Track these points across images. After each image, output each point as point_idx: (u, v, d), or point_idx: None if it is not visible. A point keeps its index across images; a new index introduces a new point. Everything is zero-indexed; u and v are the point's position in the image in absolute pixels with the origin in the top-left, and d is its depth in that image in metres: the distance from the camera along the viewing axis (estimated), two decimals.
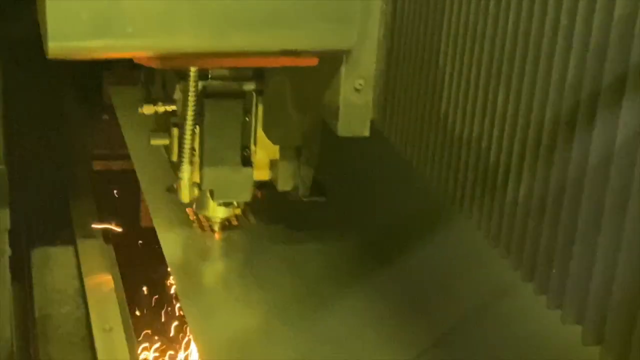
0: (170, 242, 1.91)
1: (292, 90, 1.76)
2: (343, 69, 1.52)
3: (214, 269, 1.91)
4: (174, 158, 1.79)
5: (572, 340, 1.04)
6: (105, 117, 3.02)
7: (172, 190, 2.05)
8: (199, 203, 1.89)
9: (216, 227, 1.94)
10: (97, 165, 2.81)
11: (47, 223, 2.19)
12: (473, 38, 1.24)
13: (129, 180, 2.21)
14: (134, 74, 3.12)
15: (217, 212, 1.91)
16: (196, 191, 1.82)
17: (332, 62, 1.54)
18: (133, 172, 2.20)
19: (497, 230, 1.20)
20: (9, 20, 3.28)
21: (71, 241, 2.09)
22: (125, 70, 3.20)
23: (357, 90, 1.54)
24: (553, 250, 1.06)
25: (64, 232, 2.13)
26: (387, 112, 1.54)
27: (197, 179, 1.81)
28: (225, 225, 1.96)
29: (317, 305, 1.74)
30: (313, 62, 1.57)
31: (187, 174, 1.78)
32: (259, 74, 1.78)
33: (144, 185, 2.12)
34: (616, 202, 0.95)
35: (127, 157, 2.28)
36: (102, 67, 3.23)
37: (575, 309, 1.03)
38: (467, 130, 1.27)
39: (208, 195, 1.86)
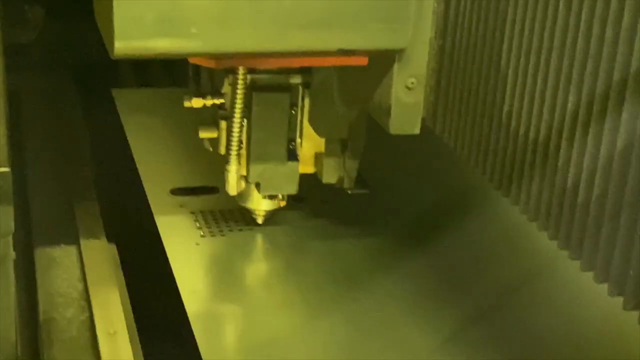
0: (175, 246, 1.91)
1: (339, 83, 1.79)
2: (395, 68, 1.55)
3: (221, 274, 1.89)
4: (222, 151, 1.81)
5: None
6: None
7: (177, 193, 2.10)
8: (244, 195, 1.91)
9: (259, 220, 1.96)
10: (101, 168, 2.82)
11: (50, 225, 2.19)
12: (540, 37, 1.26)
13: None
14: (137, 76, 3.16)
15: (261, 205, 1.93)
16: (243, 184, 1.84)
17: (383, 60, 1.56)
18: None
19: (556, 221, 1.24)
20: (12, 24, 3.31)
21: (75, 244, 2.09)
22: (128, 71, 3.23)
23: (408, 88, 1.56)
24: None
25: (68, 234, 2.13)
26: (438, 110, 1.57)
27: (243, 172, 1.83)
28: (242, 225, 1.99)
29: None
30: (364, 61, 1.60)
31: (234, 166, 1.81)
32: (306, 68, 1.81)
33: (147, 187, 2.13)
34: None
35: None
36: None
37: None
38: (533, 130, 1.29)
39: (252, 187, 1.89)
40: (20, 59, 3.17)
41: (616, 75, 1.10)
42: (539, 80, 1.27)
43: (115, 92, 2.66)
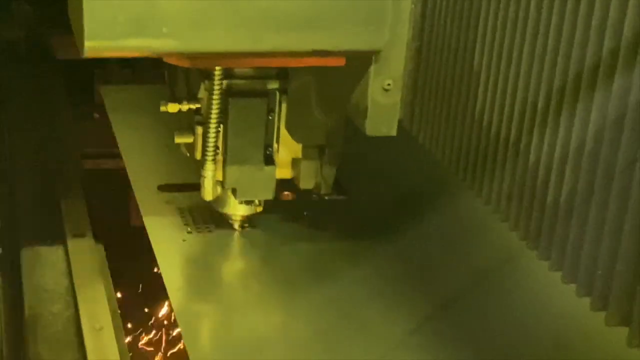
0: (162, 242, 1.91)
1: (317, 89, 1.77)
2: (372, 69, 1.53)
3: (208, 271, 1.89)
4: (198, 156, 1.79)
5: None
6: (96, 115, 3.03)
7: (164, 189, 2.09)
8: (220, 200, 1.89)
9: (236, 225, 1.93)
10: (88, 164, 2.81)
11: (37, 221, 2.19)
12: (512, 37, 1.26)
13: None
14: (125, 73, 3.16)
15: (238, 210, 1.91)
16: (219, 189, 1.82)
17: (360, 62, 1.54)
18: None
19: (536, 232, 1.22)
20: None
21: (61, 240, 2.08)
22: (116, 69, 3.22)
23: (385, 90, 1.55)
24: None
25: (54, 230, 2.12)
26: (415, 111, 1.55)
27: (220, 177, 1.81)
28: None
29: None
30: (340, 62, 1.58)
31: (210, 172, 1.79)
32: (283, 73, 1.78)
33: (135, 184, 2.13)
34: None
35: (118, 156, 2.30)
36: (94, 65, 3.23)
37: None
38: (504, 131, 1.28)
39: (229, 192, 1.86)
40: (7, 55, 3.17)
41: (578, 72, 1.11)
42: (510, 81, 1.27)
43: (103, 90, 2.67)
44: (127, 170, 2.19)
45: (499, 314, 1.68)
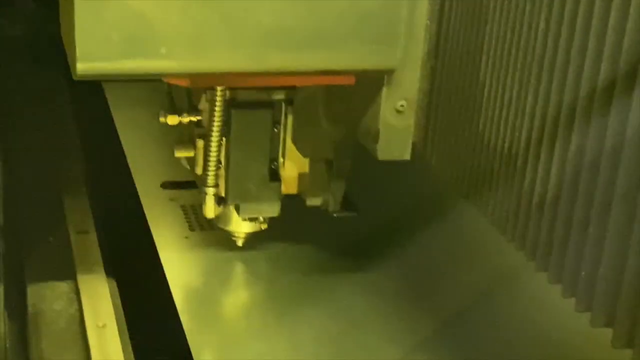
0: (164, 239, 1.91)
1: (325, 100, 1.69)
2: (384, 90, 1.45)
3: (210, 268, 1.87)
4: (199, 171, 1.70)
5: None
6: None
7: (167, 186, 2.07)
8: (223, 217, 1.81)
9: (239, 242, 1.85)
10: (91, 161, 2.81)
11: (40, 218, 2.17)
12: (523, 60, 1.20)
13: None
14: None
15: (242, 227, 1.82)
16: (221, 205, 1.74)
17: (372, 80, 1.46)
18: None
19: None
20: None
21: (64, 237, 2.05)
22: None
23: (398, 111, 1.47)
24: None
25: (58, 228, 2.10)
26: (428, 134, 1.47)
27: (222, 193, 1.73)
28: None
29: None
30: (350, 80, 1.50)
31: (212, 188, 1.70)
32: None
33: (138, 181, 2.14)
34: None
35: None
36: None
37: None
38: (521, 156, 1.22)
39: (232, 209, 1.78)
40: (9, 51, 3.14)
41: (585, 89, 1.08)
42: (521, 103, 1.22)
43: (106, 86, 2.66)
44: (130, 167, 2.19)
45: (503, 329, 1.66)
